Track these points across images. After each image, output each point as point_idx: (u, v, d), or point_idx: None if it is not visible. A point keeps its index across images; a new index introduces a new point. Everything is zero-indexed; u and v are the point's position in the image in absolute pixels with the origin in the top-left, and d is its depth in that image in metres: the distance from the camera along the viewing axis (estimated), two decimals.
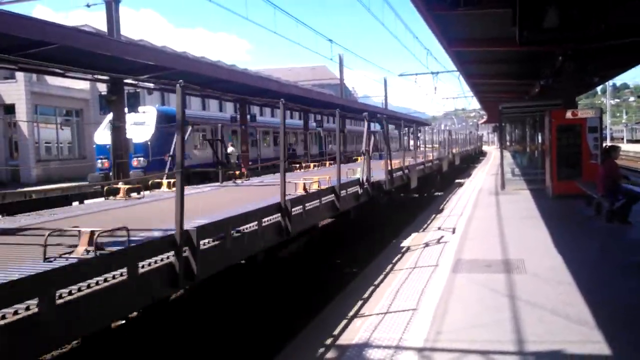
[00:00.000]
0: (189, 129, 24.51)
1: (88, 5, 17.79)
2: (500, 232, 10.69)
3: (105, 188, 11.18)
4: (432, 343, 5.13)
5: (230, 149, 26.26)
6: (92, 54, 12.71)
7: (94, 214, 7.61)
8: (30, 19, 11.68)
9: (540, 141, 21.40)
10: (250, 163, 24.53)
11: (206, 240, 5.12)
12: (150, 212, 7.86)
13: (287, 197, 6.90)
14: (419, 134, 55.10)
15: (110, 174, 17.65)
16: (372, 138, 12.04)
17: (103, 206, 8.80)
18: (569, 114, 14.81)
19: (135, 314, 6.36)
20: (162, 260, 4.47)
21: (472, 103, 57.35)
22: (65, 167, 24.54)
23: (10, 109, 25.64)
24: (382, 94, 62.28)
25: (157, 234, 5.20)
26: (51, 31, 11.65)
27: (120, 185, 10.40)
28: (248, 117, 25.35)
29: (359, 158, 22.78)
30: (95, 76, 13.59)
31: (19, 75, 25.10)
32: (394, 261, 9.06)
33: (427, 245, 10.10)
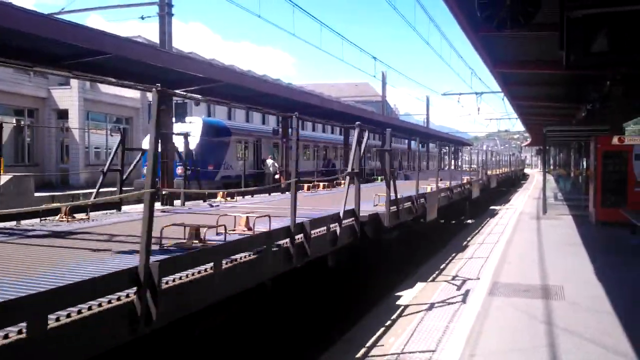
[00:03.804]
0: (231, 138, 25.04)
1: (142, 17, 18.45)
2: (540, 257, 10.55)
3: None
4: None
5: (268, 162, 26.63)
6: (144, 65, 13.17)
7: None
8: (87, 29, 12.20)
9: (584, 166, 20.98)
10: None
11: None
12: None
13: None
14: (459, 154, 54.23)
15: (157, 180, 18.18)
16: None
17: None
18: (615, 140, 14.52)
19: None
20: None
21: (516, 125, 56.59)
22: (112, 173, 25.23)
23: (63, 114, 26.66)
24: (424, 113, 62.08)
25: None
26: (107, 41, 12.14)
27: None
28: (290, 130, 25.66)
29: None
30: (146, 86, 14.02)
31: (73, 82, 26.11)
32: (429, 280, 9.04)
33: (462, 267, 10.03)
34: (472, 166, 28.92)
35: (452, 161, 52.86)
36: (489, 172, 26.93)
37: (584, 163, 21.43)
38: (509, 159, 45.25)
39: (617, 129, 15.42)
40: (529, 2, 7.72)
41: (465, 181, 18.60)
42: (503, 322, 6.42)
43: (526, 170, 76.51)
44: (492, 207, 22.73)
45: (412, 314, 6.94)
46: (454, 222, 18.35)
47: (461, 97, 39.13)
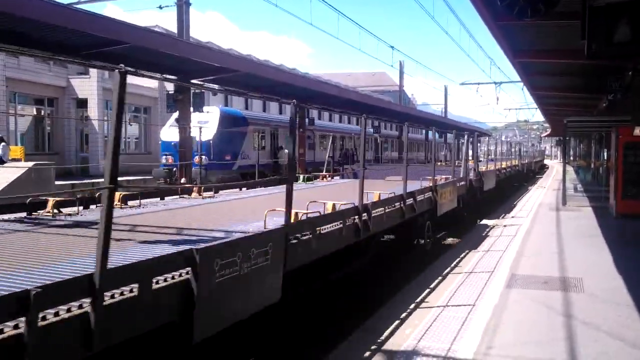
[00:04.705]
0: (248, 128, 25.11)
1: (160, 7, 18.54)
2: (559, 249, 10.46)
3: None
4: (482, 356, 5.12)
5: (284, 152, 26.66)
6: (162, 54, 13.24)
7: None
8: (106, 19, 12.29)
9: (605, 157, 20.69)
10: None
11: None
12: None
13: None
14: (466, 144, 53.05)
15: (175, 169, 18.36)
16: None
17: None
18: (637, 131, 14.32)
19: None
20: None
21: (536, 115, 55.86)
22: (130, 162, 25.51)
23: (83, 103, 26.95)
24: (442, 102, 61.71)
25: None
26: (126, 31, 12.22)
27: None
28: (306, 120, 25.64)
29: (323, 177, 14.98)
30: (164, 76, 14.13)
31: (92, 71, 26.37)
32: (446, 271, 9.01)
33: (482, 257, 9.98)
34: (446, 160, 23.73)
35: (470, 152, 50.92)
36: (482, 168, 19.57)
37: (605, 154, 21.11)
38: (519, 150, 36.68)
39: (639, 120, 15.17)
40: None
41: (430, 183, 11.23)
42: (521, 314, 6.39)
43: (546, 161, 75.61)
44: (484, 222, 15.54)
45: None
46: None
47: (480, 86, 38.62)
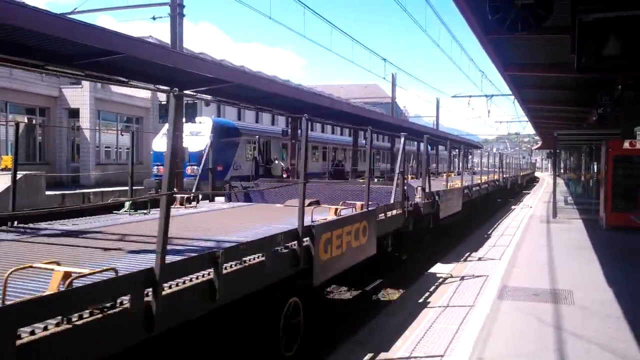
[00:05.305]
0: (240, 139, 25.13)
1: (154, 18, 18.61)
2: (550, 261, 10.51)
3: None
4: None
5: (276, 163, 26.69)
6: (155, 65, 13.24)
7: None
8: (100, 29, 12.29)
9: (595, 170, 20.87)
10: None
11: None
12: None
13: None
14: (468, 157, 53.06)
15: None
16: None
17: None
18: (626, 144, 14.47)
19: None
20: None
21: (527, 128, 56.22)
22: (122, 172, 25.40)
23: (74, 113, 26.86)
24: (434, 115, 62.03)
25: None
26: (119, 41, 12.21)
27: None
28: (299, 131, 25.65)
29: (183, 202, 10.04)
30: (157, 86, 14.10)
31: (85, 81, 26.33)
32: (438, 282, 9.03)
33: (472, 269, 10.00)
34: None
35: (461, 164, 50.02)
36: (441, 184, 14.92)
37: (595, 167, 21.30)
38: (501, 161, 27.61)
39: (629, 133, 15.34)
40: (541, 5, 7.69)
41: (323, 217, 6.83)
42: (511, 326, 6.41)
43: (537, 174, 76.00)
44: (435, 269, 10.34)
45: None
46: None
47: (471, 99, 38.99)
